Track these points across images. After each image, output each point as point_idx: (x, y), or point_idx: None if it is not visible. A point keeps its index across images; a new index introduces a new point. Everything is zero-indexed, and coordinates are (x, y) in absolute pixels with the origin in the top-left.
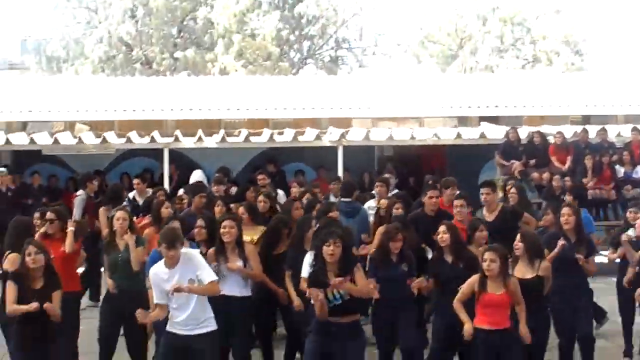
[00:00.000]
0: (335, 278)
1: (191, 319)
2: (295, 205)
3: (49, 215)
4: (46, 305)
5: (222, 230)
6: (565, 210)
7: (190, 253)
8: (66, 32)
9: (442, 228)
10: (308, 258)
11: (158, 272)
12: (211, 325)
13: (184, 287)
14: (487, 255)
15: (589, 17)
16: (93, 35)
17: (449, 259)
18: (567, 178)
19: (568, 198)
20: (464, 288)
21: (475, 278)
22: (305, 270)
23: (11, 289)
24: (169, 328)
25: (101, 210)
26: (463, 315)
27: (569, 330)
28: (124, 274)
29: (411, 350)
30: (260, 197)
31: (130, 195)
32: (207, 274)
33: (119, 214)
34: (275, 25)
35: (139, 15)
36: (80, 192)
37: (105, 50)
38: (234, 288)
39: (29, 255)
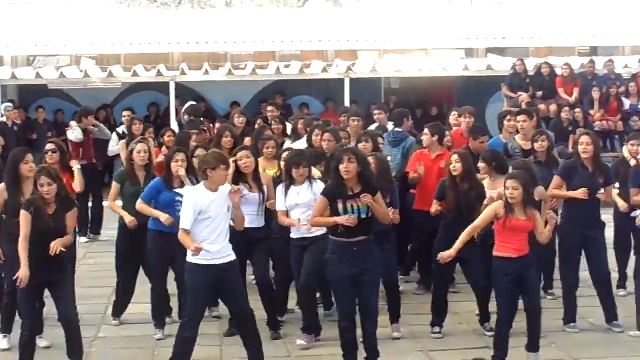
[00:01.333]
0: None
1: (225, 247)
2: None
3: (49, 146)
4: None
5: (239, 162)
6: (584, 139)
7: (226, 187)
8: None
9: (454, 157)
10: (280, 190)
11: (200, 193)
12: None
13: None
14: (509, 183)
15: None
16: None
17: (463, 186)
18: (577, 110)
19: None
20: (485, 215)
21: (498, 204)
22: (281, 203)
23: (25, 219)
24: (198, 261)
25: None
26: (464, 238)
27: (575, 263)
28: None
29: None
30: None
31: (120, 129)
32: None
33: (140, 146)
34: None
35: None
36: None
37: None
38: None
39: (41, 186)
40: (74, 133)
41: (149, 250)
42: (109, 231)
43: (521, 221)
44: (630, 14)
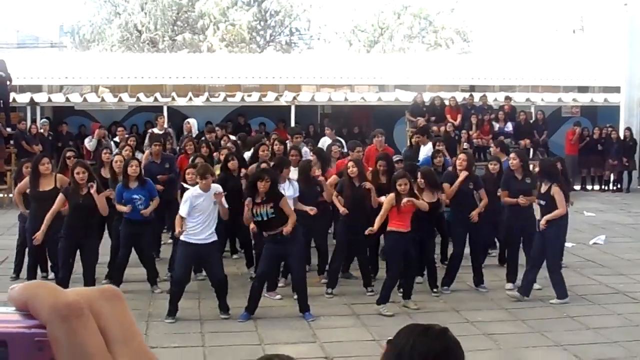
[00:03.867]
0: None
1: (209, 232)
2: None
3: (69, 153)
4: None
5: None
6: (461, 155)
7: (217, 187)
8: (94, 20)
9: (350, 163)
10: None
11: (194, 192)
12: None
13: (219, 195)
14: (400, 181)
15: (475, 13)
16: (113, 23)
17: (356, 183)
18: (464, 131)
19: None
20: (386, 203)
21: (390, 197)
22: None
23: (61, 198)
24: (187, 240)
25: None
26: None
27: (462, 245)
28: None
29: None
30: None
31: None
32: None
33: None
34: (249, 19)
35: (148, 7)
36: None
37: (123, 33)
38: None
39: (77, 174)
40: (90, 143)
41: (122, 232)
42: None
43: (406, 207)
44: (499, 62)
